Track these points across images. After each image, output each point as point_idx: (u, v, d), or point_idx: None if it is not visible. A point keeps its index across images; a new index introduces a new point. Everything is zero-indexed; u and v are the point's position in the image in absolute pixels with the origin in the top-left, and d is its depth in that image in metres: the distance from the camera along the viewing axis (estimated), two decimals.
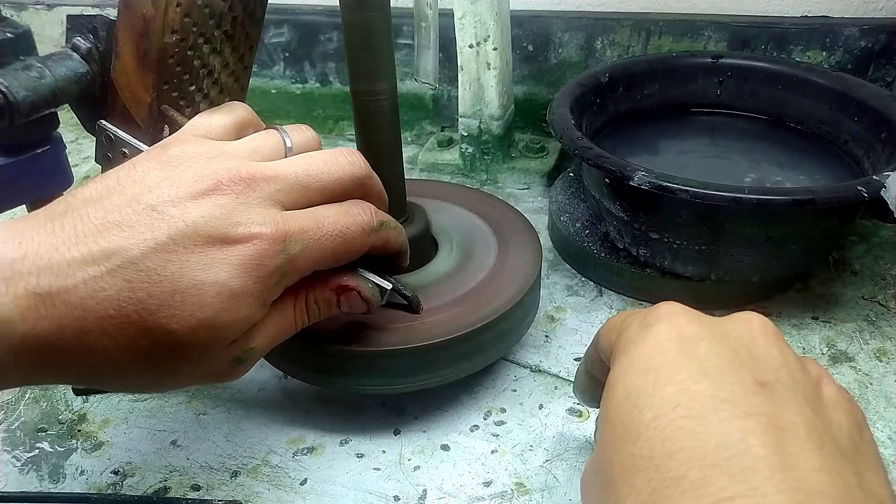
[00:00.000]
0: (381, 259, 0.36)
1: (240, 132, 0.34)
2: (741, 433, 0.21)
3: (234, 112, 0.34)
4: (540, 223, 0.59)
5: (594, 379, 0.32)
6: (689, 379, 0.23)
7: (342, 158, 0.32)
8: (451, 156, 0.70)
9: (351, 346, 0.38)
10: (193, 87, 0.36)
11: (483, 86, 0.63)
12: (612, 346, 0.27)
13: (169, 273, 0.26)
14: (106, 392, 0.44)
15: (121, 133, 0.36)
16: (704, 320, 0.25)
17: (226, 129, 0.33)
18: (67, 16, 0.37)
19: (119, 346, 0.26)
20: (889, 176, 0.42)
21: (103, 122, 0.37)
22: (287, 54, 0.80)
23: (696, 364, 0.23)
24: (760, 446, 0.20)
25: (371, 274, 0.35)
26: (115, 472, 0.39)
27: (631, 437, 0.22)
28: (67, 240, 0.25)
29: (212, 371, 0.30)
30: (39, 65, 0.34)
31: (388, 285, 0.35)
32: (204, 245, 0.26)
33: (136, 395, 0.44)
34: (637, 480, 0.21)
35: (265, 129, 0.34)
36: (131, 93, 0.35)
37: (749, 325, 0.25)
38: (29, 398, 0.45)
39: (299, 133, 0.34)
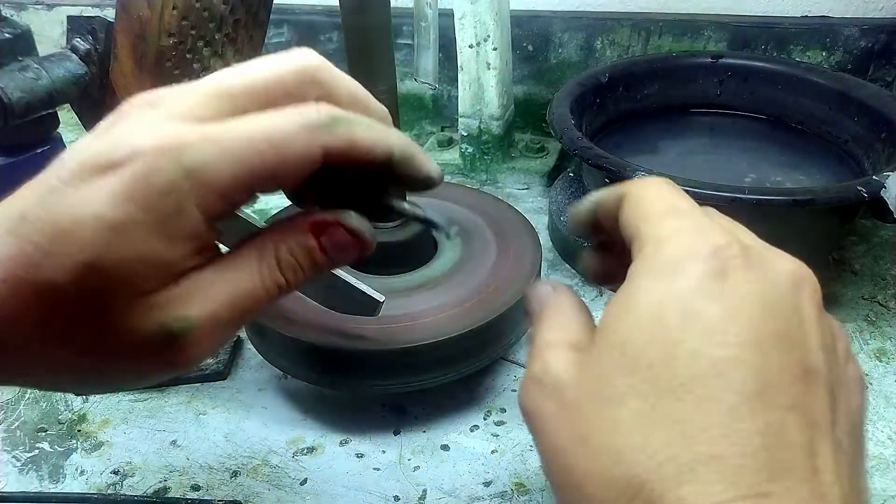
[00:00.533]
0: (400, 178, 0.28)
1: None
2: (781, 425, 0.19)
3: None
4: (540, 223, 0.59)
5: (593, 218, 0.26)
6: (738, 346, 0.20)
7: (285, 54, 0.26)
8: (451, 156, 0.70)
9: (351, 346, 0.38)
10: None
11: (483, 86, 0.63)
12: (638, 235, 0.23)
13: (52, 217, 0.22)
14: (102, 392, 0.44)
15: None
16: (751, 263, 0.22)
17: None
18: (68, 17, 0.37)
19: (19, 313, 0.22)
20: (889, 176, 0.42)
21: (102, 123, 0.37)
22: None
23: (741, 326, 0.20)
24: (798, 446, 0.19)
25: (361, 283, 0.33)
26: (115, 472, 0.40)
27: (660, 392, 0.20)
28: None
29: (143, 347, 0.24)
30: (37, 66, 0.34)
31: (381, 298, 0.34)
32: (88, 177, 0.23)
33: (136, 395, 0.44)
34: (657, 436, 0.19)
35: None
36: (129, 95, 0.35)
37: (800, 292, 0.22)
38: (29, 398, 0.45)
39: None
